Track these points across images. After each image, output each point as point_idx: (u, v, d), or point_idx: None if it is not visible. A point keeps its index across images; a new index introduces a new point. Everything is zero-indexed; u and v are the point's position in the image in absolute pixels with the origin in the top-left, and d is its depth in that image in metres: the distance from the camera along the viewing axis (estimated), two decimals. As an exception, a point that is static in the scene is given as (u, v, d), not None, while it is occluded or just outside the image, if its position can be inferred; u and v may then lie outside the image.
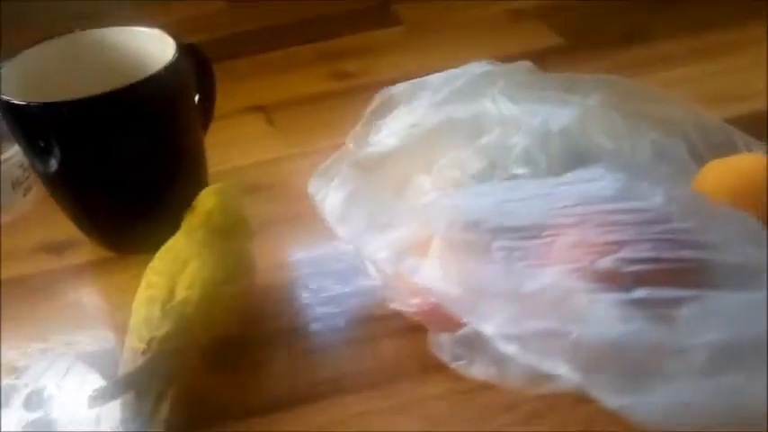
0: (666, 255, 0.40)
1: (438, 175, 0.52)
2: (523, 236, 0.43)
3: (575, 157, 0.53)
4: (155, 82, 0.53)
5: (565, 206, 0.44)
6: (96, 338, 0.53)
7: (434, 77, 0.58)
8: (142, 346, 0.45)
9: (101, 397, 0.43)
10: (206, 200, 0.54)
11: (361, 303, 0.53)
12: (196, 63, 0.63)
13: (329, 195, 0.49)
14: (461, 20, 0.90)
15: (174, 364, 0.46)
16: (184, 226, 0.53)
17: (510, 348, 0.39)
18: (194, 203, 0.54)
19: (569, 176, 0.47)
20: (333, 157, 0.53)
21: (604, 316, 0.39)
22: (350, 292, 0.54)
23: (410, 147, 0.53)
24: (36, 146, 0.55)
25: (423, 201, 0.49)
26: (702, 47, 0.78)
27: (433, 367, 0.44)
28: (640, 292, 0.39)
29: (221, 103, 0.76)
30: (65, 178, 0.57)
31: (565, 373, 0.37)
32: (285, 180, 0.67)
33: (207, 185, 0.62)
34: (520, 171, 0.52)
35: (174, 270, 0.49)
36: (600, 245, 0.42)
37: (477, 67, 0.58)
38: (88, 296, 0.59)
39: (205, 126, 0.65)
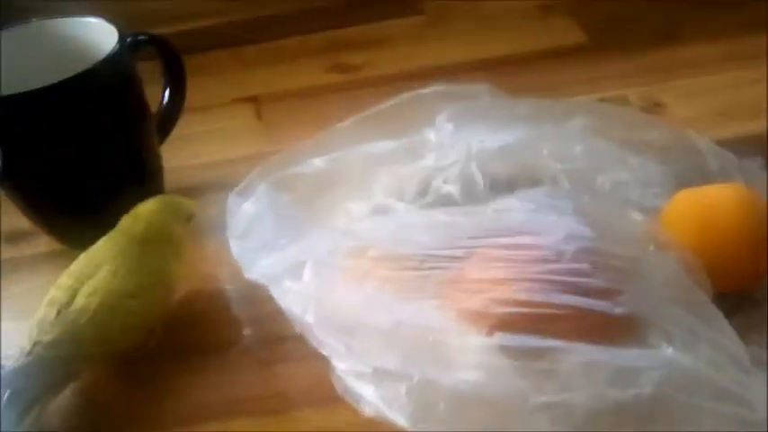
0: (539, 298, 0.39)
1: (367, 200, 0.52)
2: (404, 266, 0.43)
3: (523, 177, 0.53)
4: (89, 77, 0.54)
5: (457, 237, 0.43)
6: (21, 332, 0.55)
7: (386, 104, 0.57)
8: (27, 347, 0.46)
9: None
10: (142, 208, 0.54)
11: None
12: (165, 57, 0.64)
13: (239, 211, 0.50)
14: (488, 12, 0.89)
15: (56, 374, 0.47)
16: (115, 229, 0.54)
17: (358, 387, 0.39)
18: (133, 209, 0.54)
19: (485, 206, 0.47)
20: (254, 172, 0.53)
21: (460, 361, 0.38)
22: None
23: (340, 171, 0.54)
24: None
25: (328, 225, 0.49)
26: (736, 53, 0.75)
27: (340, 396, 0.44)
28: (500, 338, 0.38)
29: (210, 92, 0.77)
30: (5, 174, 0.59)
31: (399, 421, 0.37)
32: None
33: (160, 181, 0.64)
34: (452, 189, 0.51)
35: (84, 273, 0.50)
36: (478, 282, 0.41)
37: (430, 91, 0.57)
38: (30, 288, 0.60)
39: (173, 120, 0.66)
